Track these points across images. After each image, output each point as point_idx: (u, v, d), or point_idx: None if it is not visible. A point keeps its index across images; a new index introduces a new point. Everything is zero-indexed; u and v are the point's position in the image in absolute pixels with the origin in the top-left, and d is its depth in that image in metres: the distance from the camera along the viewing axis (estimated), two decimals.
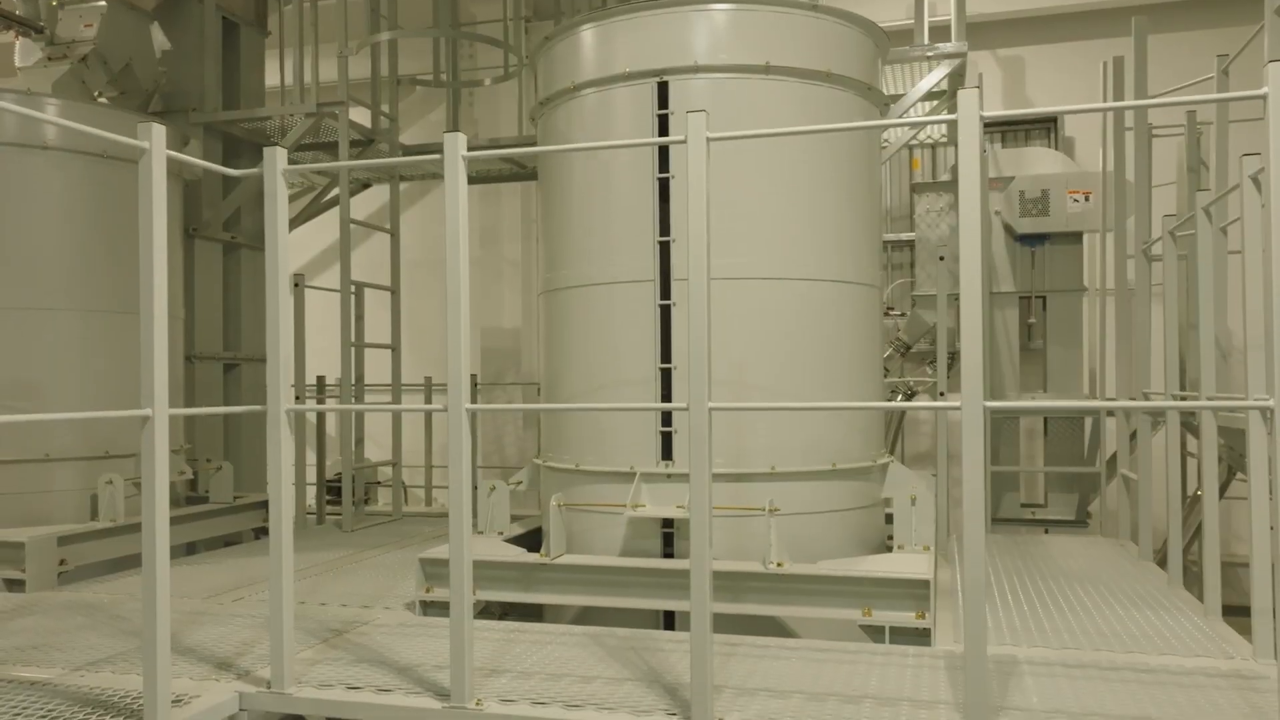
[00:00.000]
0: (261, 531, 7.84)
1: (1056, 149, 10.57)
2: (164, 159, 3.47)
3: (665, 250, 4.98)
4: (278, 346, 3.79)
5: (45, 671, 4.12)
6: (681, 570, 4.54)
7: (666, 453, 5.01)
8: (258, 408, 3.86)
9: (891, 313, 9.31)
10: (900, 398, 9.33)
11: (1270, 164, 2.97)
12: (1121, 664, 4.11)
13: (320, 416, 10.02)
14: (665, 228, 4.99)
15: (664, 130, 5.08)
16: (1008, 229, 8.62)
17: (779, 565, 4.61)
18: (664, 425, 5.00)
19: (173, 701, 3.62)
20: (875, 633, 4.52)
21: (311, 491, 9.57)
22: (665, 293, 4.98)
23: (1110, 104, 3.15)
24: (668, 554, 5.00)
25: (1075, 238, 8.54)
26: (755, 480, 4.92)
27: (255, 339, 8.89)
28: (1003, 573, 6.02)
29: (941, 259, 7.42)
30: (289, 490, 3.68)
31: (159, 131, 3.43)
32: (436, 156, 3.71)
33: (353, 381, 8.58)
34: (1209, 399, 4.82)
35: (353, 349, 8.30)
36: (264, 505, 7.81)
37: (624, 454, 5.06)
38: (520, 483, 5.92)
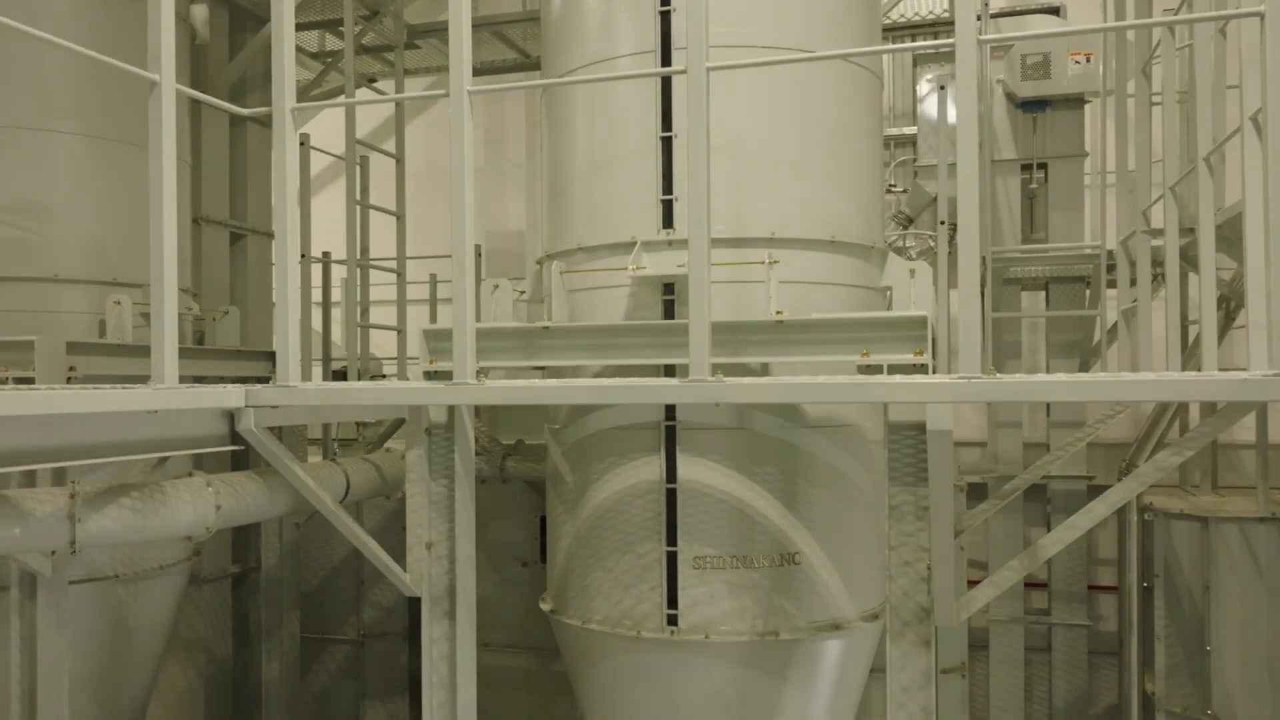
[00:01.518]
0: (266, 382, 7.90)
1: None
2: None
3: (666, 20, 5.02)
4: (283, 47, 3.84)
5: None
6: (682, 326, 4.57)
7: (668, 221, 5.05)
8: (264, 109, 3.92)
9: (894, 189, 9.35)
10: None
11: None
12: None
13: (326, 327, 10.11)
14: None
15: None
16: (1009, 97, 8.66)
17: (778, 314, 4.65)
18: (665, 193, 5.05)
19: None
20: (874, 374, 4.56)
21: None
22: (666, 62, 5.02)
23: None
24: None
25: (1077, 103, 8.57)
26: (755, 246, 4.96)
27: (262, 211, 8.94)
28: None
29: (942, 88, 7.45)
30: (293, 179, 3.73)
31: None
32: None
33: (358, 254, 8.67)
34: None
35: (358, 207, 8.36)
36: (270, 356, 7.87)
37: (625, 226, 5.11)
38: (524, 292, 5.97)
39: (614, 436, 5.17)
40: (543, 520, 8.12)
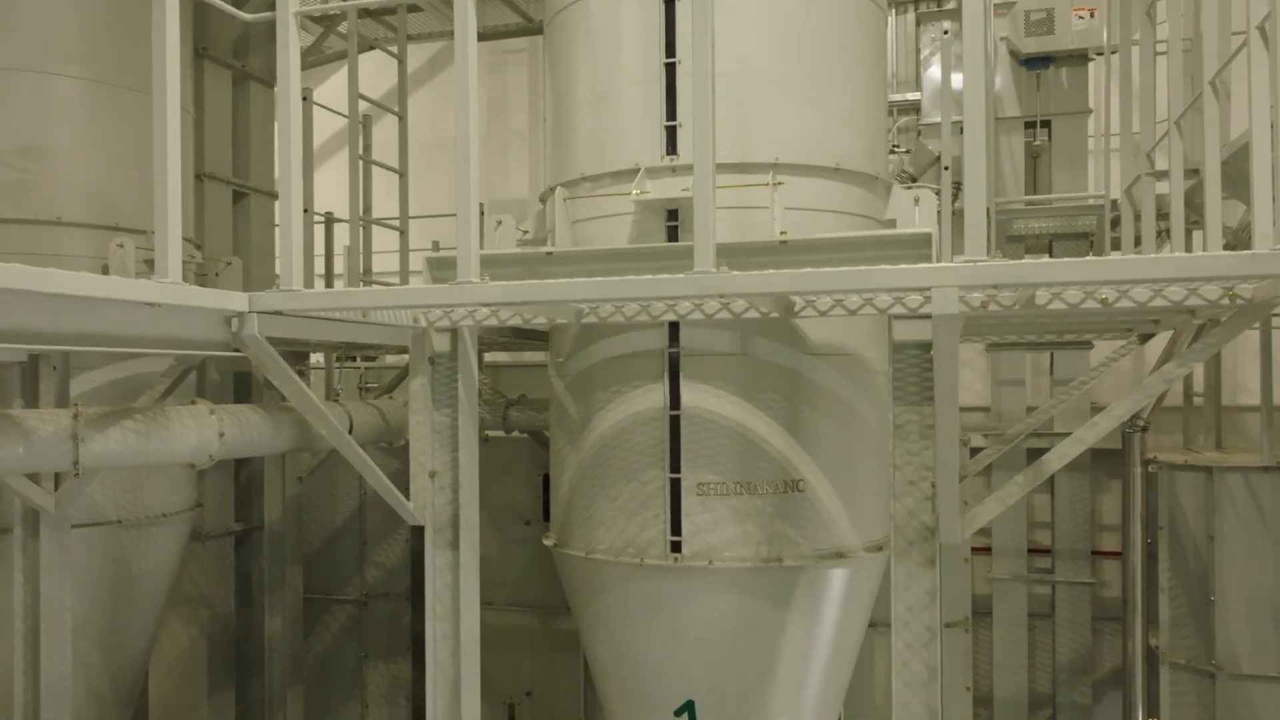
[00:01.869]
0: None
1: None
2: None
3: None
4: None
5: None
6: (686, 249, 4.56)
7: (671, 148, 5.04)
8: (268, 14, 3.92)
9: (897, 150, 9.35)
10: None
11: None
12: None
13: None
14: None
15: None
16: (1013, 54, 8.65)
17: (782, 234, 4.63)
18: (669, 119, 5.03)
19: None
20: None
21: None
22: None
23: None
24: None
25: (1081, 59, 8.55)
26: (758, 171, 4.94)
27: (264, 171, 8.93)
28: None
29: (945, 32, 7.44)
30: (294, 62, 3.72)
31: None
32: None
33: (360, 211, 8.67)
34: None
35: (360, 163, 8.36)
36: None
37: (628, 153, 5.09)
38: (527, 232, 5.97)
39: (617, 365, 5.16)
40: (545, 479, 8.13)
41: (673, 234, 5.04)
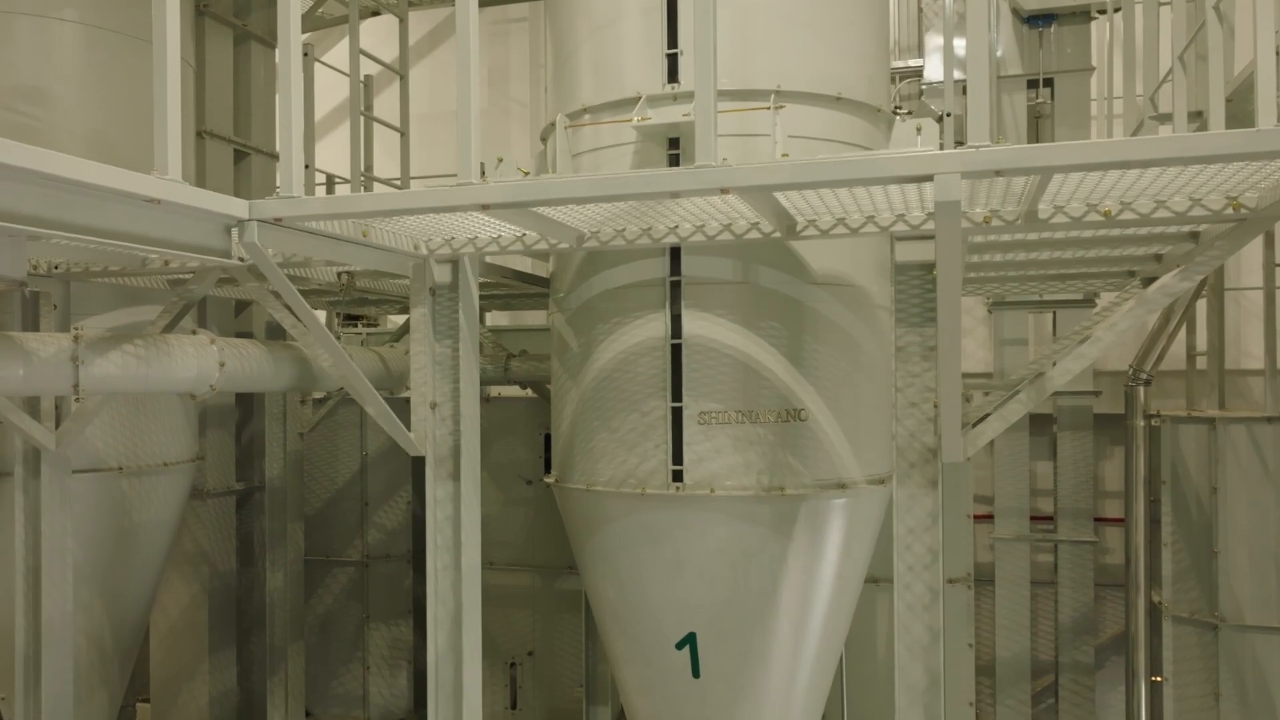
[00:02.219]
0: None
1: None
2: None
3: None
4: None
5: None
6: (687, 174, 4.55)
7: (672, 76, 5.03)
8: None
9: (899, 111, 9.31)
10: None
11: None
12: None
13: None
14: None
15: None
16: (1015, 12, 8.63)
17: (784, 157, 4.62)
18: (670, 47, 5.02)
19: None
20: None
21: None
22: None
23: None
24: None
25: (1084, 17, 8.53)
26: (760, 98, 4.92)
27: (265, 131, 8.92)
28: None
29: None
30: None
31: None
32: None
33: (362, 170, 8.67)
34: None
35: (361, 120, 8.35)
36: None
37: (629, 82, 5.08)
38: (529, 173, 5.94)
39: (618, 296, 5.15)
40: (547, 438, 8.12)
41: (674, 163, 5.03)
